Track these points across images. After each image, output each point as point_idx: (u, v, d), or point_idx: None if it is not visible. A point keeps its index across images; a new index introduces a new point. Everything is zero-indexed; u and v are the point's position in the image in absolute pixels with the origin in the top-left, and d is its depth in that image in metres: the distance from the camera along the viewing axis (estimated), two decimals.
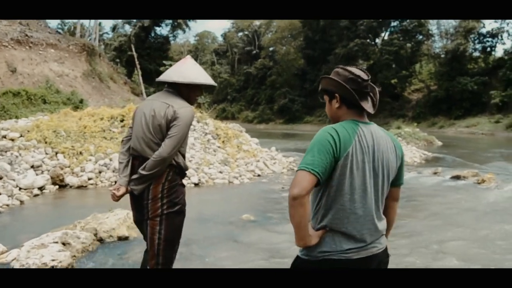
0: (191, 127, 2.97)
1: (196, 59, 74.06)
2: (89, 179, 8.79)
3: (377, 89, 2.04)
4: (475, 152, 19.35)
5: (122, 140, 3.02)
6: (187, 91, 2.86)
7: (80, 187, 8.50)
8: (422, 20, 44.66)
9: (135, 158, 2.84)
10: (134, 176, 2.77)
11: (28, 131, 9.59)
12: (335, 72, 1.99)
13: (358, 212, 1.84)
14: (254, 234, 5.52)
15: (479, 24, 44.92)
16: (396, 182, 2.04)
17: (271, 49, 66.04)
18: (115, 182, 8.93)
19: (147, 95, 43.47)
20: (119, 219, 5.04)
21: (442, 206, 7.67)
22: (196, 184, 9.24)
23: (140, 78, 44.13)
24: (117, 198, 2.86)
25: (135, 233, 4.94)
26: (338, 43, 51.74)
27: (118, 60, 54.91)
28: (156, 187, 2.73)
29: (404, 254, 4.78)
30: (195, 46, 77.54)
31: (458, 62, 44.63)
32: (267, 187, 9.06)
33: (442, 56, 48.56)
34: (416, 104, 48.04)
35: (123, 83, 42.06)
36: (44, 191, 7.99)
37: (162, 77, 2.89)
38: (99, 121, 10.56)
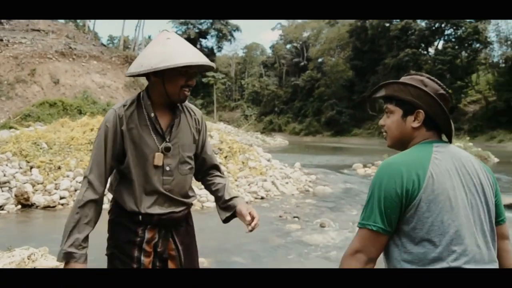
0: None
1: (244, 71, 74.20)
2: (61, 198, 7.71)
3: None
4: None
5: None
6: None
7: (47, 207, 7.41)
8: (479, 27, 41.62)
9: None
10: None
11: (7, 143, 8.72)
12: (418, 81, 1.44)
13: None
14: None
15: None
16: (497, 218, 1.46)
17: (319, 60, 64.83)
18: None
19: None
20: (12, 263, 3.79)
21: None
22: None
23: None
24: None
25: None
26: (387, 53, 49.65)
27: None
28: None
29: None
30: (243, 58, 77.43)
31: None
32: (263, 215, 7.51)
33: (502, 65, 44.96)
34: (473, 117, 44.70)
35: None
36: (1, 211, 6.97)
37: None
38: (88, 132, 9.53)
